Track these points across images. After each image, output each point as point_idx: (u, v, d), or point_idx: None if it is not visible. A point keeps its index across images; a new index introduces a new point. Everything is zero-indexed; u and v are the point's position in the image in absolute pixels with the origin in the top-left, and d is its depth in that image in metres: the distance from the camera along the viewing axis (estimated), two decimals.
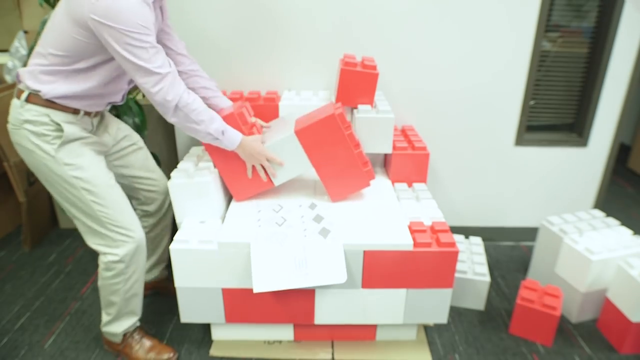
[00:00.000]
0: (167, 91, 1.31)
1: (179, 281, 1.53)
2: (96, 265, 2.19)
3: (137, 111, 1.94)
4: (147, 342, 1.64)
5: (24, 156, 1.40)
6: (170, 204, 1.76)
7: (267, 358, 1.67)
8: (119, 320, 1.58)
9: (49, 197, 2.45)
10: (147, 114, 2.00)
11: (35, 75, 1.32)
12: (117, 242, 1.45)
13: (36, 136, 1.34)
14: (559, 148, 2.24)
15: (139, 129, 1.92)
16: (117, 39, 1.21)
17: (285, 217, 1.60)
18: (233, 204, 1.71)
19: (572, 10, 2.11)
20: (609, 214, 2.14)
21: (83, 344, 1.73)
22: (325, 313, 1.59)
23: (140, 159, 1.66)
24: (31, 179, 2.29)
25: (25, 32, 2.34)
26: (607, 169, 2.32)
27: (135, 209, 1.69)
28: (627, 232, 1.94)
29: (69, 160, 1.37)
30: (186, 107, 1.36)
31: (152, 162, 1.71)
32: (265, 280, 1.43)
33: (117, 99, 1.50)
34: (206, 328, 1.76)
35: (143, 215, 1.75)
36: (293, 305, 1.57)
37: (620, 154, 2.96)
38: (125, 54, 1.23)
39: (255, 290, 1.42)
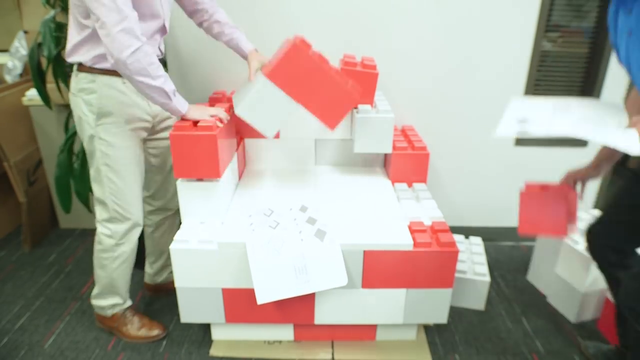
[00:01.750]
0: (130, 32, 1.25)
1: (179, 281, 1.53)
2: None
3: None
4: (137, 320, 1.73)
5: (76, 122, 1.50)
6: (177, 206, 1.78)
7: (267, 358, 1.67)
8: (105, 296, 1.67)
9: (49, 197, 2.45)
10: None
11: (72, 50, 1.40)
12: (113, 218, 1.54)
13: (86, 105, 1.43)
14: (559, 148, 2.24)
15: None
16: None
17: (278, 220, 1.58)
18: (233, 204, 1.71)
19: (572, 10, 2.11)
20: None
21: (83, 344, 1.73)
22: (325, 313, 1.59)
23: (170, 161, 1.71)
24: (31, 179, 2.29)
25: (25, 32, 2.33)
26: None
27: (145, 201, 1.77)
28: None
29: (104, 136, 1.46)
30: (146, 57, 1.29)
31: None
32: (268, 290, 1.44)
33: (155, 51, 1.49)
34: (206, 328, 1.76)
35: (150, 212, 1.80)
36: (293, 305, 1.57)
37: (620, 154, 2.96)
38: None
39: (259, 302, 1.42)
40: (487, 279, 1.88)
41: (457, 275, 1.87)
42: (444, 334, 1.80)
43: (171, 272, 1.94)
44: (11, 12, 2.60)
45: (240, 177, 1.92)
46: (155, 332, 1.73)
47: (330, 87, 1.55)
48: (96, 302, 1.70)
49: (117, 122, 1.46)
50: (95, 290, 1.68)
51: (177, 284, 1.53)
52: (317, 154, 2.02)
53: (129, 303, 1.74)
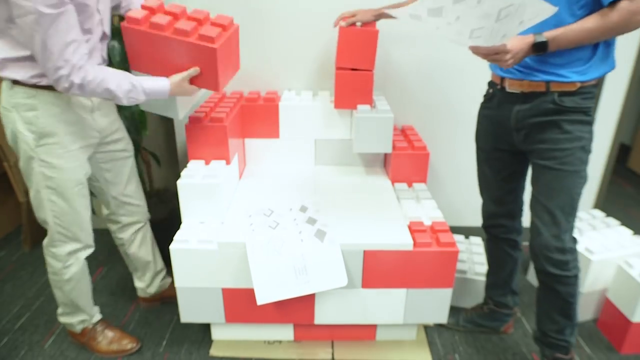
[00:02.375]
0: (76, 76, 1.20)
1: (179, 281, 1.53)
2: (96, 265, 2.19)
3: (137, 110, 1.94)
4: (109, 334, 1.68)
5: (9, 139, 1.36)
6: (142, 220, 1.75)
7: (267, 358, 1.67)
8: (69, 315, 1.62)
9: None
10: (147, 114, 2.00)
11: (1, 63, 1.25)
12: (57, 241, 1.47)
13: (24, 122, 1.30)
14: None
15: (138, 129, 1.92)
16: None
17: (278, 220, 1.58)
18: (233, 204, 1.71)
19: None
20: (609, 214, 2.13)
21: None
22: (325, 313, 1.59)
23: (126, 171, 1.62)
24: None
25: None
26: (607, 169, 2.32)
27: (108, 219, 1.70)
28: (627, 232, 1.94)
29: (45, 158, 1.35)
30: (90, 84, 1.23)
31: (135, 182, 1.68)
32: (268, 291, 1.44)
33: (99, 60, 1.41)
34: (206, 328, 1.76)
35: (117, 229, 1.72)
36: (293, 305, 1.57)
37: (620, 154, 2.96)
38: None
39: (259, 303, 1.42)
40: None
41: (457, 275, 1.87)
42: (444, 334, 1.80)
43: (164, 280, 1.90)
44: None
45: (240, 177, 1.92)
46: (128, 345, 1.67)
47: (178, 48, 1.38)
48: (63, 319, 1.64)
49: (61, 143, 1.34)
50: (59, 310, 1.63)
51: (177, 284, 1.53)
52: (317, 154, 2.03)
53: (97, 317, 1.69)
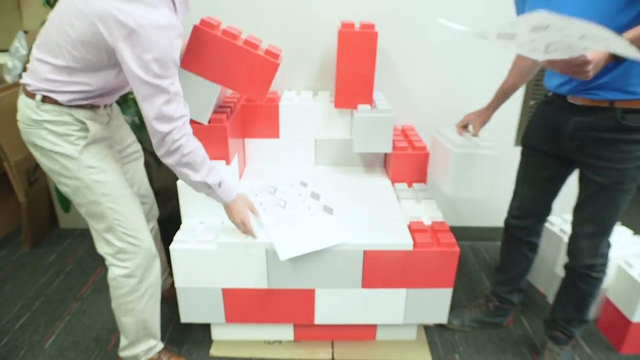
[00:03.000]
0: (178, 132, 1.22)
1: (179, 281, 1.53)
2: (96, 266, 2.19)
3: (137, 111, 1.94)
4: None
5: (40, 158, 1.31)
6: (154, 218, 1.75)
7: (267, 358, 1.67)
8: (137, 344, 1.48)
9: (49, 197, 2.45)
10: None
11: (44, 81, 1.23)
12: (128, 254, 1.37)
13: (57, 136, 1.25)
14: None
15: (139, 128, 1.92)
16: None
17: (284, 198, 1.64)
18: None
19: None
20: None
21: (83, 344, 1.73)
22: (325, 313, 1.59)
23: (140, 170, 1.65)
24: (31, 179, 2.29)
25: (25, 32, 2.33)
26: None
27: None
28: (627, 232, 1.94)
29: (92, 162, 1.29)
30: (190, 154, 1.27)
31: (147, 181, 1.69)
32: (288, 247, 1.44)
33: (125, 91, 1.44)
34: (206, 328, 1.76)
35: None
36: (293, 305, 1.57)
37: None
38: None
39: (282, 258, 1.41)
40: None
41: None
42: (444, 334, 1.80)
43: (166, 280, 1.90)
44: (11, 12, 2.60)
45: (240, 177, 1.92)
46: None
47: (244, 58, 1.51)
48: (126, 353, 1.49)
49: (99, 147, 1.33)
50: (123, 342, 1.47)
51: (177, 284, 1.53)
52: (317, 154, 2.03)
53: (161, 345, 1.56)
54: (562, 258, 1.89)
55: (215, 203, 1.57)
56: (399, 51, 2.04)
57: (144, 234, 1.40)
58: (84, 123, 1.28)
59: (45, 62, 1.22)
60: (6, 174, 2.23)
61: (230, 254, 1.48)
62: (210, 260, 1.49)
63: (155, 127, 1.19)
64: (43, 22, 1.84)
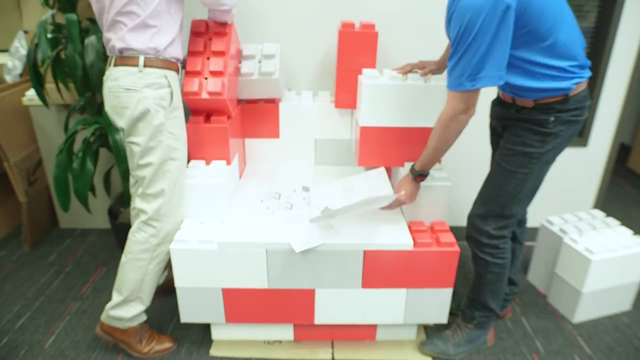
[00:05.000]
0: None
1: (179, 281, 1.53)
2: (96, 266, 2.19)
3: None
4: (148, 335, 1.67)
5: (129, 118, 1.40)
6: None
7: (267, 358, 1.67)
8: (128, 304, 1.56)
9: (49, 197, 2.45)
10: None
11: (139, 32, 1.37)
12: (164, 216, 1.50)
13: (155, 100, 1.40)
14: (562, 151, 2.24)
15: None
16: None
17: (290, 201, 1.69)
18: (233, 204, 1.71)
19: (572, 10, 2.10)
20: (609, 214, 2.13)
21: (83, 344, 1.73)
22: (325, 313, 1.59)
23: None
24: (31, 179, 2.29)
25: (25, 32, 2.33)
26: (607, 169, 2.32)
27: (133, 208, 1.69)
28: (627, 232, 1.94)
29: (173, 130, 1.46)
30: None
31: None
32: (302, 240, 1.47)
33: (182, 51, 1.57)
34: (206, 328, 1.76)
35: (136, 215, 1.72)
36: (293, 305, 1.57)
37: (620, 154, 2.96)
38: None
39: (297, 250, 1.44)
40: None
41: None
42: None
43: (170, 271, 1.93)
44: (11, 12, 2.60)
45: (240, 177, 1.92)
46: (166, 345, 1.68)
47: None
48: (115, 312, 1.56)
49: (181, 116, 1.51)
50: (116, 299, 1.55)
51: (177, 284, 1.53)
52: (317, 154, 2.03)
53: (145, 316, 1.64)
54: (563, 258, 1.90)
55: (215, 203, 1.58)
56: (399, 51, 2.04)
57: (181, 207, 1.56)
58: (171, 87, 1.43)
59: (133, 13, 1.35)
60: (6, 174, 2.23)
61: (230, 254, 1.48)
62: (210, 260, 1.49)
63: None
64: (40, 23, 1.85)
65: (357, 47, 1.77)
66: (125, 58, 1.39)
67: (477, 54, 1.19)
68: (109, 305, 1.57)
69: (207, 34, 1.66)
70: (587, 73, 1.38)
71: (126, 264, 1.53)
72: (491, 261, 1.56)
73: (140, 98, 1.39)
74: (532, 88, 1.34)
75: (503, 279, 1.61)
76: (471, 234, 1.58)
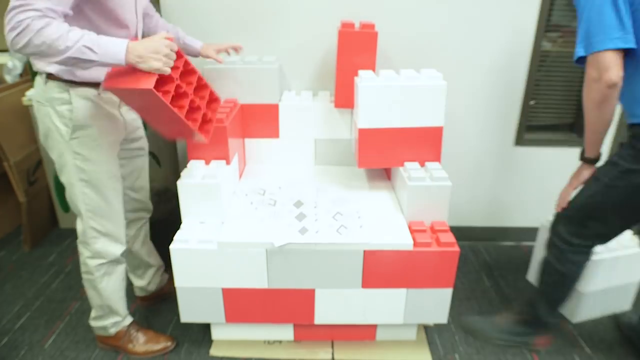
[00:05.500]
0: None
1: (179, 281, 1.53)
2: None
3: None
4: (143, 335, 1.67)
5: (41, 134, 1.38)
6: (150, 211, 1.78)
7: (267, 358, 1.67)
8: (104, 318, 1.61)
9: (49, 197, 2.45)
10: None
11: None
12: (91, 238, 1.48)
13: (58, 116, 1.32)
14: (559, 148, 2.24)
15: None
16: None
17: (273, 198, 1.71)
18: (233, 204, 1.71)
19: (572, 10, 2.10)
20: None
21: (83, 344, 1.73)
22: (325, 313, 1.59)
23: (139, 167, 1.65)
24: (31, 179, 2.29)
25: None
26: None
27: None
28: (627, 232, 1.94)
29: (80, 150, 1.36)
30: (38, 33, 1.03)
31: (144, 178, 1.70)
32: (282, 234, 1.48)
33: None
34: (206, 328, 1.76)
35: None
36: (293, 305, 1.57)
37: None
38: None
39: (276, 244, 1.44)
40: None
41: None
42: (444, 334, 1.80)
43: (162, 275, 1.92)
44: None
45: (240, 177, 1.92)
46: (162, 344, 1.68)
47: (174, 119, 1.29)
48: (95, 323, 1.63)
49: (93, 135, 1.36)
50: (92, 313, 1.62)
51: (177, 284, 1.53)
52: (317, 154, 2.03)
53: (129, 319, 1.68)
54: None
55: (215, 203, 1.57)
56: (399, 51, 2.04)
57: (116, 225, 1.50)
58: (71, 104, 1.31)
59: None
60: (6, 174, 2.23)
61: (230, 253, 1.48)
62: (210, 260, 1.49)
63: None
64: None
65: (356, 47, 1.76)
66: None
67: (591, 15, 1.19)
68: (90, 317, 1.64)
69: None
70: None
71: (84, 282, 1.57)
72: (552, 263, 1.54)
73: (45, 112, 1.33)
74: None
75: (560, 289, 1.56)
76: (549, 231, 1.58)
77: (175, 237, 1.51)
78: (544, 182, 2.32)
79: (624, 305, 1.94)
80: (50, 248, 2.35)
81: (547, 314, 1.62)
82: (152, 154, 2.19)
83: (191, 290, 1.54)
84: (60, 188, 1.98)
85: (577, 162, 1.53)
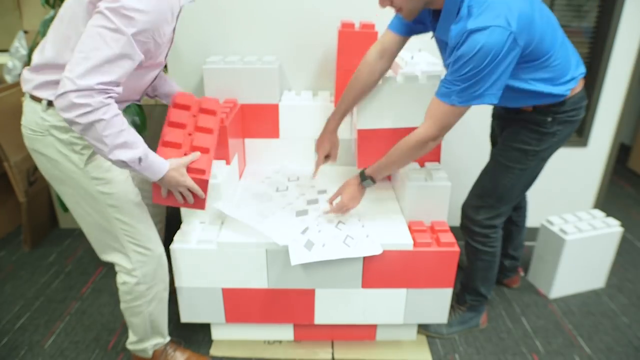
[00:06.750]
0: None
1: (179, 281, 1.53)
2: (96, 266, 2.19)
3: (136, 111, 1.94)
4: (179, 355, 1.59)
5: (43, 165, 1.28)
6: (160, 222, 1.74)
7: (267, 358, 1.67)
8: (145, 341, 1.51)
9: (49, 197, 2.45)
10: (147, 114, 2.00)
11: (45, 84, 1.19)
12: (136, 262, 1.36)
13: (64, 144, 1.22)
14: (560, 148, 2.24)
15: (138, 129, 1.92)
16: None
17: (274, 198, 1.72)
18: (232, 204, 1.71)
19: (572, 10, 2.11)
20: (609, 214, 2.13)
21: (83, 344, 1.73)
22: (325, 313, 1.59)
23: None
24: (31, 179, 2.29)
25: (25, 32, 2.34)
26: (607, 169, 2.32)
27: None
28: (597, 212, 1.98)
29: (98, 174, 1.26)
30: (104, 124, 1.07)
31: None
32: (302, 252, 1.44)
33: (137, 97, 1.39)
34: (206, 328, 1.76)
35: None
36: (293, 305, 1.57)
37: (620, 154, 2.96)
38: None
39: (292, 263, 1.41)
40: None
41: None
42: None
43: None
44: (11, 12, 2.61)
45: (240, 177, 1.92)
46: None
47: None
48: (135, 347, 1.53)
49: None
50: (132, 338, 1.51)
51: (177, 284, 1.53)
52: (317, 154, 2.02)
53: (168, 338, 1.59)
54: (563, 258, 1.90)
55: (215, 203, 1.57)
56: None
57: (154, 243, 1.40)
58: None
59: (53, 63, 1.17)
60: (6, 174, 2.23)
61: (230, 254, 1.48)
62: (210, 260, 1.49)
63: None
64: (43, 22, 1.85)
65: (357, 47, 1.76)
66: None
67: (479, 84, 1.21)
68: (128, 341, 1.53)
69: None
70: (581, 73, 1.42)
71: (125, 311, 1.46)
72: (481, 249, 1.65)
73: (47, 143, 1.23)
74: (531, 100, 1.42)
75: (493, 266, 1.70)
76: (464, 223, 1.68)
77: (175, 237, 1.51)
78: (544, 182, 2.31)
79: (598, 282, 2.02)
80: (50, 248, 2.35)
81: (489, 292, 1.76)
82: None
83: (191, 290, 1.54)
84: None
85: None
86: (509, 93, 1.37)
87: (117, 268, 1.40)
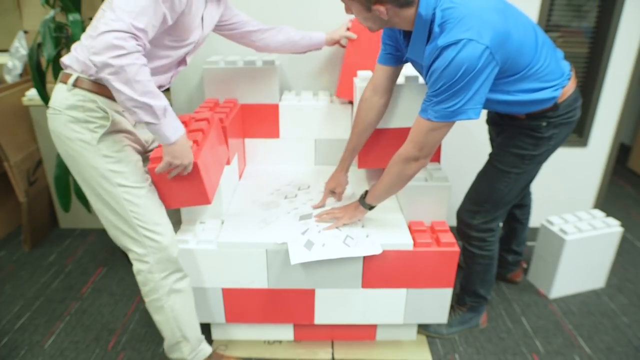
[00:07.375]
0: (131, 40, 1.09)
1: None
2: (96, 266, 2.19)
3: None
4: None
5: (58, 144, 1.31)
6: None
7: (267, 358, 1.67)
8: (176, 345, 1.44)
9: (49, 197, 2.45)
10: None
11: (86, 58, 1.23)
12: (147, 248, 1.32)
13: (78, 123, 1.26)
14: (559, 148, 2.24)
15: None
16: None
17: (274, 199, 1.73)
18: (233, 204, 1.71)
19: (572, 10, 2.11)
20: (609, 214, 2.13)
21: (83, 344, 1.73)
22: (325, 313, 1.59)
23: None
24: (31, 179, 2.29)
25: (25, 32, 2.33)
26: (607, 169, 2.32)
27: None
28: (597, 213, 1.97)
29: (109, 152, 1.27)
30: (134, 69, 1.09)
31: None
32: (301, 252, 1.44)
33: (165, 82, 1.41)
34: (206, 328, 1.76)
35: None
36: (293, 305, 1.57)
37: (620, 154, 2.96)
38: None
39: (292, 262, 1.40)
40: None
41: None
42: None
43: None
44: (11, 12, 2.60)
45: (240, 177, 1.92)
46: None
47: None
48: (172, 355, 1.47)
49: (117, 137, 1.30)
50: (165, 343, 1.46)
51: None
52: (317, 154, 2.03)
53: (208, 349, 1.51)
54: (563, 258, 1.90)
55: (215, 203, 1.56)
56: None
57: (164, 228, 1.35)
58: (106, 112, 1.26)
59: (85, 43, 1.26)
60: (6, 174, 2.24)
61: (230, 254, 1.48)
62: (210, 260, 1.49)
63: None
64: (43, 22, 1.85)
65: (367, 40, 1.77)
66: None
67: (454, 99, 1.19)
68: (164, 349, 1.49)
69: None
70: (568, 72, 1.41)
71: (149, 307, 1.41)
72: (478, 253, 1.65)
73: (63, 121, 1.28)
74: (520, 109, 1.41)
75: (491, 269, 1.71)
76: (460, 228, 1.68)
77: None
78: (544, 182, 2.32)
79: (598, 282, 2.01)
80: (50, 248, 2.35)
81: (488, 293, 1.76)
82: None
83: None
84: (60, 187, 1.98)
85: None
86: (496, 105, 1.37)
87: (130, 256, 1.36)
